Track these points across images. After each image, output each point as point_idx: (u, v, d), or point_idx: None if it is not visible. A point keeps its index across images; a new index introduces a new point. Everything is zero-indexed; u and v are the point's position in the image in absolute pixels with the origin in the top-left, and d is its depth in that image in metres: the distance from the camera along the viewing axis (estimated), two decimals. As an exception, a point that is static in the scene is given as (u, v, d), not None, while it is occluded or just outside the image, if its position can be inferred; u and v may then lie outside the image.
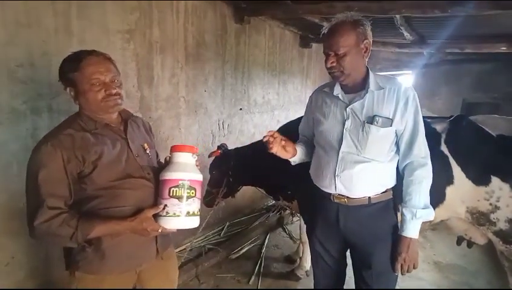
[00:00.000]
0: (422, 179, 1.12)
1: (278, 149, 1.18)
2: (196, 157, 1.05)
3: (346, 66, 1.09)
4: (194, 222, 1.00)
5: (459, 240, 1.83)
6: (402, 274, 1.16)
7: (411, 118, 1.12)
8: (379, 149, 1.14)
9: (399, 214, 1.19)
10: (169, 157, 1.05)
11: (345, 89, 1.19)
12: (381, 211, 1.18)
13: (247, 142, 3.37)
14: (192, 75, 2.46)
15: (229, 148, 2.15)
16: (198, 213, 1.01)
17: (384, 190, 1.18)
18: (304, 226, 2.22)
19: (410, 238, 1.12)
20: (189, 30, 2.37)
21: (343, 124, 1.16)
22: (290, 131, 2.25)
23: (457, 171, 1.57)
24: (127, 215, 0.96)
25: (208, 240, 2.61)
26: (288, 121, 2.41)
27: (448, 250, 2.66)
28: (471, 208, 1.56)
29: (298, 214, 3.10)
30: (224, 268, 2.31)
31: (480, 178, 1.53)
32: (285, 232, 3.02)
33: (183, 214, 0.96)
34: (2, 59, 1.36)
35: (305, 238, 2.24)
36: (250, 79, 3.22)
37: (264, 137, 1.17)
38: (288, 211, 3.32)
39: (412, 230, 1.12)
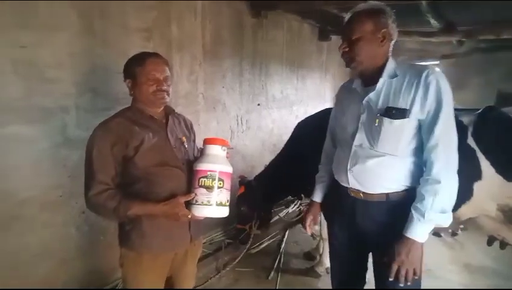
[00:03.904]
0: (441, 179, 0.98)
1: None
2: (226, 149, 1.11)
3: (358, 51, 1.06)
4: (222, 212, 1.06)
5: (490, 240, 1.72)
6: (399, 282, 1.01)
7: (433, 106, 1.00)
8: (394, 143, 1.05)
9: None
10: (202, 149, 1.13)
11: (365, 81, 1.14)
12: (402, 210, 1.06)
13: (266, 138, 3.38)
14: (210, 72, 2.48)
15: (249, 180, 2.16)
16: (227, 204, 1.07)
17: (405, 188, 1.09)
18: (325, 223, 2.18)
19: (414, 241, 1.00)
20: (207, 27, 2.38)
21: (359, 118, 1.12)
22: (308, 126, 2.25)
23: (485, 165, 1.47)
24: (161, 201, 1.05)
25: (228, 234, 2.64)
26: (306, 116, 2.38)
27: (479, 251, 2.51)
28: (502, 205, 1.46)
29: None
30: (244, 262, 2.32)
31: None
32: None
33: (210, 203, 1.02)
34: (33, 60, 1.44)
35: (325, 234, 2.20)
36: (268, 74, 3.20)
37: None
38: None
39: (417, 232, 1.00)
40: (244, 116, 2.98)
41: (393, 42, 1.09)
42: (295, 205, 3.35)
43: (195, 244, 1.24)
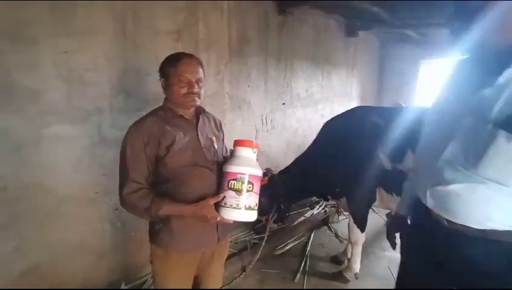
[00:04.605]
0: None
1: None
2: (256, 151, 1.09)
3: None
4: (250, 216, 1.04)
5: None
6: None
7: None
8: (508, 168, 0.73)
9: None
10: (232, 150, 1.12)
11: (489, 68, 0.76)
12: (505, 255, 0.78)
13: (290, 138, 3.33)
14: (236, 71, 2.48)
15: (273, 173, 2.14)
16: (255, 208, 1.05)
17: None
18: (354, 226, 2.11)
19: None
20: (233, 26, 2.38)
21: (460, 120, 0.80)
22: (336, 126, 2.17)
23: None
24: (191, 201, 1.06)
25: (253, 235, 2.63)
26: (333, 115, 2.31)
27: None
28: None
29: (345, 213, 2.98)
30: (269, 263, 2.30)
31: None
32: (331, 230, 2.90)
33: (239, 206, 1.01)
34: (72, 65, 1.51)
35: (354, 238, 2.13)
36: (292, 72, 3.15)
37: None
38: (333, 209, 3.20)
39: None
40: (269, 116, 2.95)
41: None
42: (320, 206, 3.27)
43: (222, 244, 1.24)
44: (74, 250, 1.64)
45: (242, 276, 2.14)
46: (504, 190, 0.75)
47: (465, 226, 0.82)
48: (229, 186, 1.02)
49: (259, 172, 1.06)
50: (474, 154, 0.76)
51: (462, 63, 0.90)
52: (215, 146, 1.18)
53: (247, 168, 1.03)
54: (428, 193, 0.89)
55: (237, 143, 1.09)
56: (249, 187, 1.02)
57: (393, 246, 1.17)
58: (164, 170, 1.06)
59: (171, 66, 1.10)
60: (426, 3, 2.62)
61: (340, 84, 3.99)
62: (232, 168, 1.03)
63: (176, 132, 1.08)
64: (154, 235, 1.14)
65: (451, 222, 0.85)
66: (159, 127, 1.07)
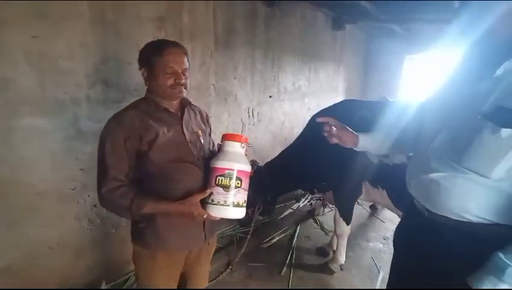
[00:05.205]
0: None
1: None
2: (245, 146, 1.05)
3: None
4: (238, 213, 1.01)
5: None
6: None
7: None
8: (489, 160, 0.73)
9: None
10: (220, 145, 1.08)
11: (488, 61, 0.76)
12: (480, 251, 0.77)
13: (277, 131, 3.31)
14: (222, 63, 2.41)
15: (259, 165, 2.12)
16: (244, 205, 1.02)
17: (491, 222, 0.78)
18: (340, 219, 2.14)
19: None
20: (219, 17, 2.30)
21: (453, 111, 0.80)
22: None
23: None
24: (176, 198, 1.01)
25: (238, 229, 2.61)
26: (320, 109, 2.30)
27: None
28: None
29: (331, 205, 3.02)
30: (256, 257, 2.30)
31: None
32: (317, 223, 2.93)
33: (227, 203, 0.98)
34: (45, 51, 1.40)
35: (340, 231, 2.15)
36: (280, 65, 3.11)
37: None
38: (319, 202, 3.23)
39: (487, 284, 0.73)
40: (255, 109, 2.91)
41: None
42: (306, 199, 3.30)
43: (209, 243, 1.21)
44: (51, 249, 1.56)
45: (228, 271, 2.12)
46: (482, 183, 0.75)
47: (443, 216, 0.83)
48: (217, 182, 0.98)
49: (248, 168, 1.03)
50: (460, 145, 0.76)
51: (464, 56, 0.89)
52: (202, 141, 1.13)
53: (236, 163, 0.99)
54: (413, 182, 0.91)
55: (225, 137, 1.05)
56: (237, 183, 0.98)
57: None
58: (148, 166, 1.01)
59: (155, 55, 1.02)
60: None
61: (326, 78, 4.00)
62: (220, 164, 1.00)
63: (160, 126, 1.03)
64: (137, 235, 1.09)
65: (431, 212, 0.86)
66: (141, 121, 1.01)
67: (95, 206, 1.68)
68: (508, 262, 0.70)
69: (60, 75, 1.47)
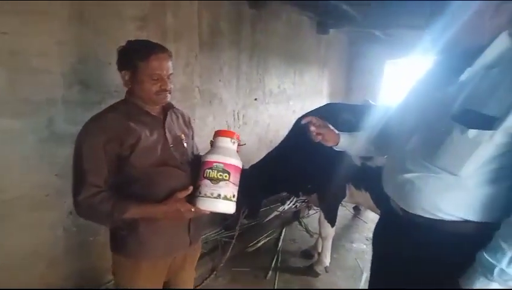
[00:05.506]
0: None
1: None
2: (236, 142, 1.05)
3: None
4: (227, 207, 0.99)
5: None
6: None
7: None
8: (459, 159, 0.78)
9: None
10: (212, 141, 1.07)
11: (454, 67, 0.82)
12: (455, 250, 0.81)
13: (262, 134, 3.31)
14: (207, 64, 2.38)
15: (244, 168, 2.11)
16: (232, 198, 1.00)
17: (464, 219, 0.81)
18: (324, 221, 2.15)
19: None
20: (204, 17, 2.27)
21: (426, 114, 0.86)
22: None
23: None
24: (160, 202, 0.98)
25: (223, 233, 2.58)
26: (304, 112, 2.32)
27: None
28: None
29: (315, 207, 3.05)
30: (241, 262, 2.27)
31: None
32: (302, 225, 2.95)
33: (214, 195, 0.97)
34: (17, 48, 1.32)
35: (325, 233, 2.17)
36: (265, 68, 3.11)
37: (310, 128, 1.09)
38: (304, 204, 3.25)
39: (478, 285, 0.76)
40: (240, 111, 2.89)
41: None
42: (291, 201, 3.31)
43: (194, 248, 1.18)
44: (23, 258, 1.46)
45: (212, 276, 2.08)
46: (452, 182, 0.80)
47: (417, 215, 0.87)
48: (205, 175, 0.98)
49: (238, 163, 1.02)
50: (432, 145, 0.82)
51: (434, 62, 0.95)
52: (185, 144, 1.11)
53: (224, 157, 0.99)
54: (389, 182, 0.95)
55: (216, 134, 1.06)
56: (225, 176, 0.98)
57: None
58: (130, 170, 0.97)
59: (140, 59, 0.97)
60: (396, 4, 2.72)
61: (311, 81, 4.05)
62: (209, 158, 1.00)
63: (142, 130, 0.99)
64: (118, 244, 1.04)
65: (406, 211, 0.89)
66: (121, 124, 0.97)
67: (71, 213, 1.59)
68: (494, 262, 0.73)
69: (34, 74, 1.38)
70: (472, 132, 0.74)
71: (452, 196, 0.81)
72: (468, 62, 0.77)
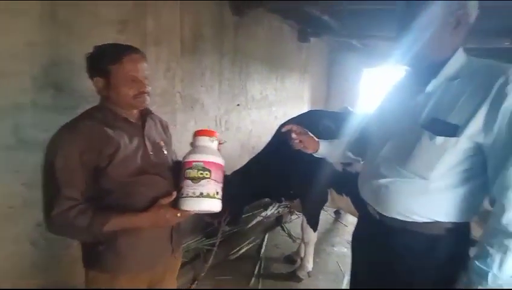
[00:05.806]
0: None
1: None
2: (215, 140, 1.02)
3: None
4: (211, 205, 0.96)
5: None
6: None
7: (504, 130, 0.73)
8: (428, 164, 0.83)
9: None
10: (192, 143, 1.04)
11: (422, 78, 0.88)
12: (429, 249, 0.87)
13: (245, 140, 3.30)
14: (188, 69, 2.34)
15: (226, 174, 2.09)
16: (216, 195, 0.97)
17: (436, 220, 0.86)
18: (307, 226, 2.17)
19: None
20: (186, 21, 2.24)
21: (398, 121, 0.92)
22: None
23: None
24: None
25: (204, 241, 2.52)
26: (287, 118, 2.34)
27: None
28: None
29: (298, 213, 3.07)
30: (223, 270, 2.23)
31: None
32: (284, 231, 2.95)
33: (196, 194, 0.94)
34: (-21, 49, 1.23)
35: (307, 238, 2.18)
36: (248, 73, 3.12)
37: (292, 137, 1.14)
38: (286, 210, 3.26)
39: None
40: (223, 117, 2.87)
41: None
42: (273, 207, 3.31)
43: (175, 257, 1.13)
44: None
45: (194, 286, 2.02)
46: (423, 185, 0.85)
47: (392, 218, 0.91)
48: (186, 175, 0.95)
49: (217, 159, 0.99)
50: (404, 151, 0.87)
51: (405, 72, 1.02)
52: (164, 151, 1.07)
53: (203, 155, 0.97)
54: (365, 187, 0.99)
55: (195, 133, 1.04)
56: (206, 174, 0.95)
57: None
58: (105, 182, 0.91)
59: (111, 62, 0.91)
60: (369, 16, 2.85)
61: (293, 87, 4.11)
62: (188, 158, 0.98)
63: (120, 138, 0.94)
64: (93, 259, 0.97)
65: (382, 214, 0.93)
66: (99, 132, 0.91)
67: (39, 226, 1.48)
68: (485, 268, 0.76)
69: (0, 77, 1.29)
70: (439, 139, 0.80)
71: (424, 199, 0.86)
72: (434, 74, 0.84)
